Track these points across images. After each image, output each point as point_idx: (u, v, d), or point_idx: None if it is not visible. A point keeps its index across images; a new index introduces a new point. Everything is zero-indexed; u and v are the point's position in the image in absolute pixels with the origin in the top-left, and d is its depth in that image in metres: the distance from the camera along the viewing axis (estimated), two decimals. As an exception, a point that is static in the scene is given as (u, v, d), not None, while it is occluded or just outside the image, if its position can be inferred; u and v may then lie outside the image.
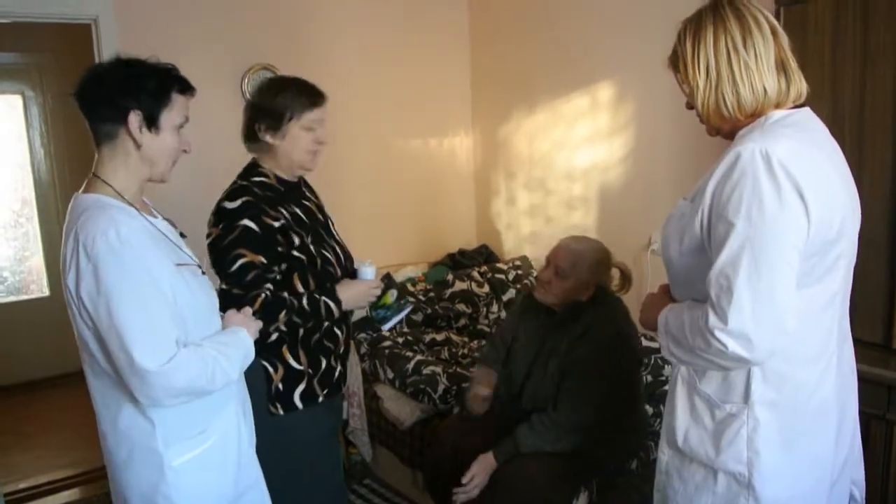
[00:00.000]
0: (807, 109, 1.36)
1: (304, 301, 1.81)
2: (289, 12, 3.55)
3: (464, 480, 2.11)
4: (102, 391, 1.40)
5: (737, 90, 1.30)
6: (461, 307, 3.59)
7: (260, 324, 1.63)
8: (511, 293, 3.73)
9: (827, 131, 1.37)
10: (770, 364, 1.28)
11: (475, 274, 3.75)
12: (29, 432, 4.01)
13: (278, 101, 1.87)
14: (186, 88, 1.47)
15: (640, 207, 3.30)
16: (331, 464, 2.06)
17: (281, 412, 1.84)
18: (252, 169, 1.92)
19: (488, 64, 4.13)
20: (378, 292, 1.99)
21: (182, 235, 1.57)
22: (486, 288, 3.71)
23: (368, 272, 1.98)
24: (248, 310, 1.63)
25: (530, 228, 4.01)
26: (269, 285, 1.78)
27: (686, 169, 3.04)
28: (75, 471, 3.42)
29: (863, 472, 1.54)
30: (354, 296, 1.92)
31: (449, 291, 3.59)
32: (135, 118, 1.38)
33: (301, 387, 1.86)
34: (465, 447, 2.24)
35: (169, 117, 1.42)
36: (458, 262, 3.97)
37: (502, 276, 3.79)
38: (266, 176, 1.89)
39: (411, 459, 2.84)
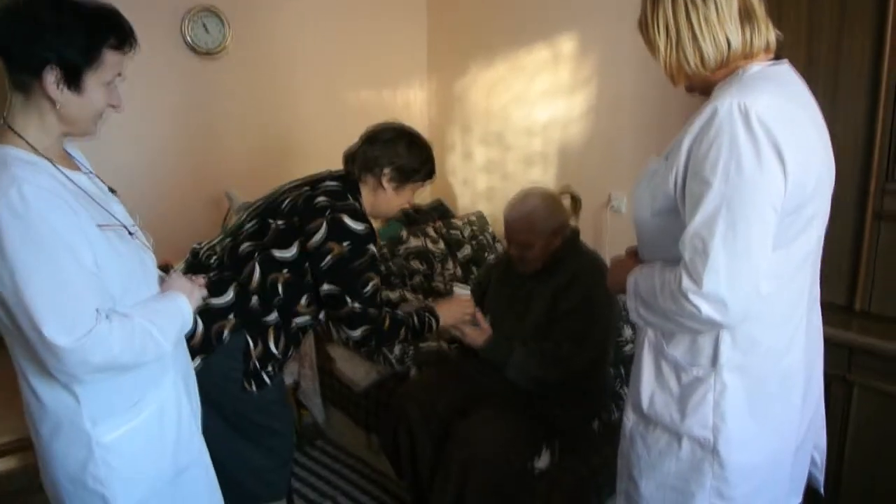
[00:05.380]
0: (785, 63, 1.31)
1: (416, 319, 1.98)
2: (232, -52, 3.29)
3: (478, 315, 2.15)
4: (21, 359, 1.26)
5: (698, 46, 1.24)
6: (416, 264, 3.49)
7: (204, 291, 1.50)
8: (467, 250, 3.65)
9: (805, 86, 1.33)
10: (740, 327, 1.25)
11: (430, 230, 3.64)
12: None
13: (414, 160, 1.99)
14: (124, 42, 1.26)
15: (600, 164, 3.23)
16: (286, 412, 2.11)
17: (254, 389, 1.85)
18: (355, 189, 1.97)
19: (445, 13, 3.95)
20: (472, 310, 2.13)
21: (111, 191, 1.41)
22: (442, 245, 3.61)
23: (463, 293, 2.18)
24: (201, 279, 1.50)
25: (487, 184, 3.92)
26: None
27: (649, 125, 2.97)
28: (6, 439, 3.23)
29: (825, 437, 1.54)
30: (450, 314, 2.09)
31: (403, 248, 3.48)
32: (51, 74, 1.18)
33: (269, 368, 1.89)
34: (439, 409, 2.18)
35: (96, 76, 1.23)
36: (412, 217, 3.85)
37: (457, 233, 3.70)
38: (360, 204, 1.94)
39: (366, 422, 2.77)
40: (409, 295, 3.28)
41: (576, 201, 2.27)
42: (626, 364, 2.48)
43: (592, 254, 2.25)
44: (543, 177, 3.48)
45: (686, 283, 1.18)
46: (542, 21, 3.36)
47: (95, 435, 1.26)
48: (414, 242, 3.52)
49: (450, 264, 3.60)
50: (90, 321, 1.16)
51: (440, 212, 3.98)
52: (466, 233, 3.73)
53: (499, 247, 3.74)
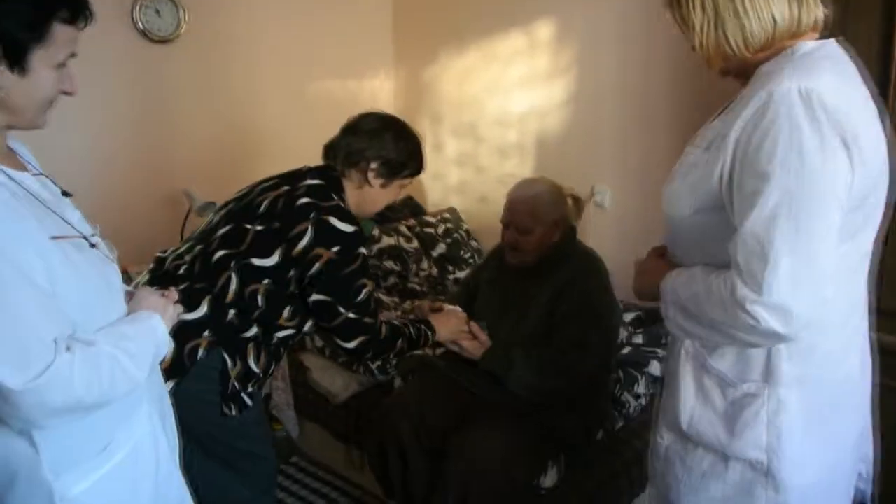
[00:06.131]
0: (834, 41, 1.17)
1: (412, 330, 1.86)
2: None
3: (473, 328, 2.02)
4: None
5: (741, 24, 1.11)
6: (389, 264, 3.31)
7: (180, 308, 1.30)
8: (441, 248, 3.49)
9: (857, 68, 1.19)
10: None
11: (402, 228, 3.46)
12: None
13: (402, 153, 1.82)
14: (78, 14, 1.05)
15: (581, 155, 3.11)
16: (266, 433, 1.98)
17: (234, 413, 1.66)
18: (338, 186, 1.77)
19: (411, -3, 3.76)
20: (466, 329, 2.02)
21: (65, 194, 1.20)
22: (415, 243, 3.44)
23: (456, 308, 2.08)
24: (174, 292, 1.29)
25: (459, 178, 3.76)
26: None
27: (633, 115, 2.86)
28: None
29: (871, 447, 1.42)
30: (446, 328, 1.98)
31: (376, 248, 3.29)
32: None
33: (249, 388, 1.71)
34: (431, 423, 2.01)
35: (45, 55, 1.02)
36: (384, 215, 3.65)
37: (431, 230, 3.53)
38: (345, 202, 1.75)
39: (346, 436, 2.58)
40: (384, 297, 3.10)
41: (577, 202, 2.14)
42: (625, 367, 2.36)
43: (591, 253, 2.11)
44: (520, 170, 3.34)
45: (742, 290, 1.04)
46: (518, 5, 3.21)
47: (59, 488, 1.04)
48: (387, 241, 3.34)
49: (424, 263, 3.43)
50: (47, 355, 0.95)
51: (411, 208, 3.80)
52: (440, 230, 3.56)
53: (474, 244, 3.59)
